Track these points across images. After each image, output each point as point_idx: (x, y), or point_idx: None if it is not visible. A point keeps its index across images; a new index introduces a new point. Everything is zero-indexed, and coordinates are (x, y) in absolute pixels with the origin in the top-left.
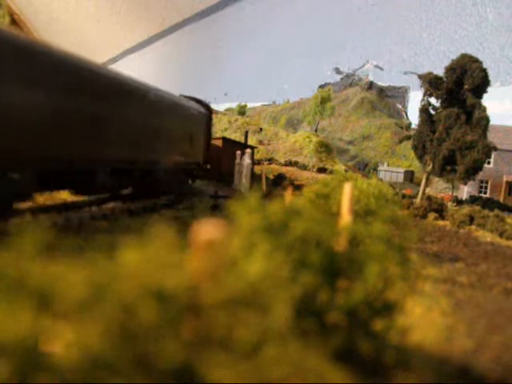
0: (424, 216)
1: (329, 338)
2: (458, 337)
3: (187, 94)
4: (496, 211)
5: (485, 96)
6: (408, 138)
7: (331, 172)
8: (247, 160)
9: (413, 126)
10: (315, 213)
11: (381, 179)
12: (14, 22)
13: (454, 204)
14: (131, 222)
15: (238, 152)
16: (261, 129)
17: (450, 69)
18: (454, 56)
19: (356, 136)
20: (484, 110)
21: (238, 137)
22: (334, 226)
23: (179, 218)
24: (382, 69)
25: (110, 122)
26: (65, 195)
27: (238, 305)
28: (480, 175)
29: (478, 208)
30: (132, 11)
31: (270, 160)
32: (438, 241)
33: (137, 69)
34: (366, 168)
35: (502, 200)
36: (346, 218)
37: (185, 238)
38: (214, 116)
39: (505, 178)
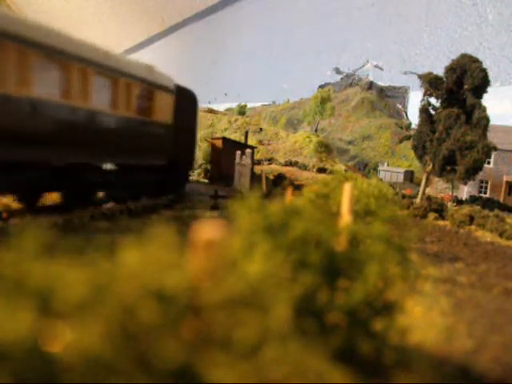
0: (424, 216)
1: (329, 338)
2: (458, 337)
3: None
4: (496, 211)
5: (485, 96)
6: (408, 138)
7: (331, 172)
8: (247, 160)
9: (413, 126)
10: (315, 213)
11: (381, 179)
12: None
13: (454, 204)
14: (131, 222)
15: (238, 152)
16: (261, 129)
17: (450, 69)
18: (454, 56)
19: (356, 136)
20: (484, 110)
21: (237, 137)
22: (334, 226)
23: (179, 218)
24: (381, 69)
25: None
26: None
27: (238, 305)
28: (480, 175)
29: (478, 208)
30: (132, 11)
31: (270, 160)
32: (438, 241)
33: None
34: (365, 168)
35: (502, 200)
36: (346, 217)
37: (185, 238)
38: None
39: (505, 178)
